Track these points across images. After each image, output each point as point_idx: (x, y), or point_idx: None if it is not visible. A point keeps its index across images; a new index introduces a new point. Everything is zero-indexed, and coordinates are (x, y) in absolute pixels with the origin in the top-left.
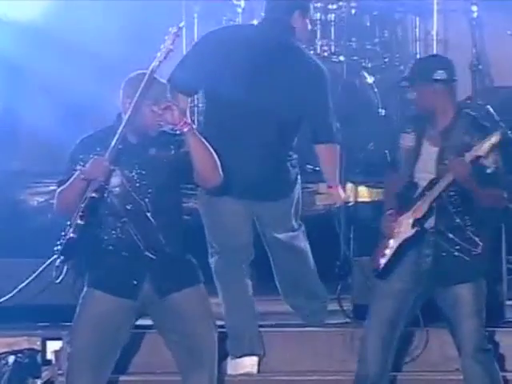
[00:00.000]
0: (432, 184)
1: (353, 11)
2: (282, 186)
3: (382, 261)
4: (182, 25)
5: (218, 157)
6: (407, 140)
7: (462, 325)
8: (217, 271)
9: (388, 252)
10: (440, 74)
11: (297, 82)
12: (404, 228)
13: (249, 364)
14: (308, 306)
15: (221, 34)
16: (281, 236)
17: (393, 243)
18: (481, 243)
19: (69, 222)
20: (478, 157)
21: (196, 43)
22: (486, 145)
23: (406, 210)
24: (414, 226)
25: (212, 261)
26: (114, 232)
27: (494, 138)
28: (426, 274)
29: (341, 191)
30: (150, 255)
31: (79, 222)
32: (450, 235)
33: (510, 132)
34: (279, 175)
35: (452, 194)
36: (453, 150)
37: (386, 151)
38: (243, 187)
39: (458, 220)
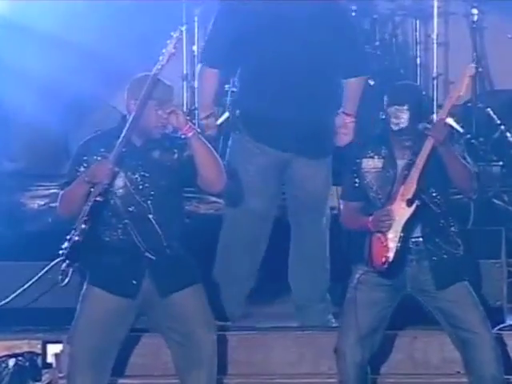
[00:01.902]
0: (410, 163)
1: (353, 14)
2: (323, 144)
3: (390, 254)
4: (183, 28)
5: (264, 111)
6: (371, 164)
7: (469, 315)
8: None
9: (392, 244)
10: None
11: (325, 27)
12: (399, 215)
13: None
14: (312, 300)
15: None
16: (308, 200)
17: (393, 233)
18: (462, 244)
19: (74, 226)
20: (458, 97)
21: (218, 19)
22: (465, 79)
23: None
24: (409, 204)
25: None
26: (115, 233)
27: (469, 70)
28: (410, 278)
29: (353, 125)
30: (150, 256)
31: (84, 226)
32: (437, 239)
33: (510, 135)
34: (321, 133)
35: (434, 194)
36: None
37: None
38: (285, 139)
39: (442, 221)
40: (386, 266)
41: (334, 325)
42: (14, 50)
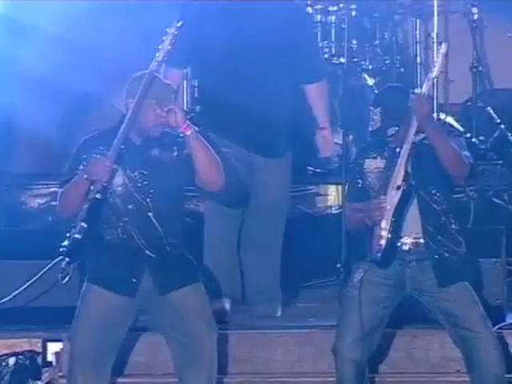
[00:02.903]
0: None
1: (353, 13)
2: (276, 143)
3: (382, 242)
4: (179, 25)
5: (222, 108)
6: (374, 164)
7: (469, 314)
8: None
9: (384, 233)
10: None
11: (279, 31)
12: (391, 203)
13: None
14: (261, 293)
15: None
16: (263, 199)
17: (385, 222)
18: (463, 242)
19: (73, 224)
20: (435, 78)
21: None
22: (439, 60)
23: None
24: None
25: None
26: (115, 232)
27: (443, 49)
28: (410, 279)
29: (331, 137)
30: (150, 253)
31: (83, 224)
32: (439, 237)
33: (510, 134)
34: (273, 132)
35: (434, 192)
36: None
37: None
38: (243, 139)
39: (443, 218)
40: (379, 254)
41: (332, 324)
42: (14, 48)
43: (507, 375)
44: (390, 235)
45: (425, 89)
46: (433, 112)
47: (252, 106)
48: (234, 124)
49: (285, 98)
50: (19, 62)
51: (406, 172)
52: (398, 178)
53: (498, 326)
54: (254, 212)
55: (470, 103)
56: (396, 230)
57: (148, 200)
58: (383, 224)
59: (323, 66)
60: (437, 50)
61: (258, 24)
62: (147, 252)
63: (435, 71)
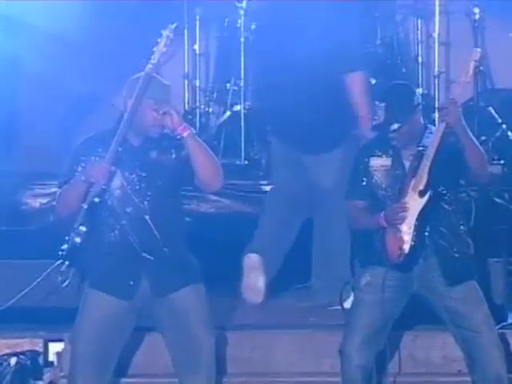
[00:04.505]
0: (418, 155)
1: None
2: (325, 139)
3: (405, 246)
4: (173, 26)
5: (275, 106)
6: (380, 162)
7: (474, 313)
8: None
9: (407, 237)
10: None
11: (327, 26)
12: (413, 207)
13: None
14: (327, 280)
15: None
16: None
17: (407, 226)
18: (471, 243)
19: (73, 227)
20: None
21: None
22: (471, 65)
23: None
24: (422, 195)
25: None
26: (112, 234)
27: (474, 55)
28: (418, 277)
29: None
30: (148, 256)
31: (82, 228)
32: (449, 237)
33: (511, 134)
34: (321, 128)
35: (444, 192)
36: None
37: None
38: (292, 139)
39: (453, 219)
40: (401, 258)
41: (334, 323)
42: (15, 49)
43: (509, 375)
44: (413, 240)
45: (456, 93)
46: (461, 115)
47: (300, 102)
48: (283, 123)
49: (332, 94)
50: (19, 62)
51: (429, 176)
52: (420, 181)
53: (499, 326)
54: (317, 211)
55: (471, 103)
56: (419, 234)
57: (145, 203)
58: (405, 227)
59: (359, 59)
60: (470, 55)
61: (309, 24)
62: (144, 254)
63: (468, 77)
